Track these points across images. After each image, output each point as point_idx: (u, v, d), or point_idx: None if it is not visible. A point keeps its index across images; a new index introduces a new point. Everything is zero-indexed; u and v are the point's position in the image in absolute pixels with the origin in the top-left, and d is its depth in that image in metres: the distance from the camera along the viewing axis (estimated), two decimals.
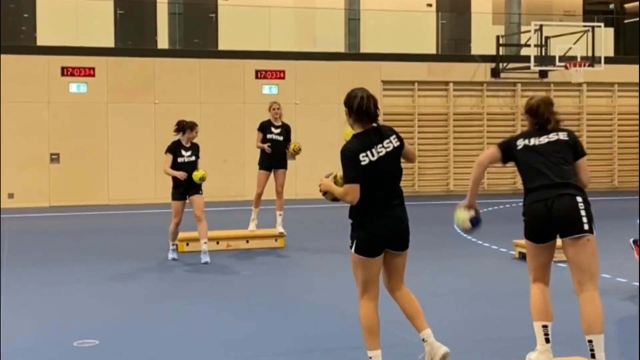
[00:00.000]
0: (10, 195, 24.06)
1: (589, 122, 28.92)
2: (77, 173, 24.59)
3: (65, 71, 24.72)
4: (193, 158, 13.99)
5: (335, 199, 6.93)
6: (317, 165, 25.79)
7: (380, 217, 6.72)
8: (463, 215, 7.30)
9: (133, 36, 26.58)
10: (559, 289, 8.07)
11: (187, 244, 15.01)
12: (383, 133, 6.75)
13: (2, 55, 23.97)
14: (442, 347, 6.80)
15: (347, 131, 6.94)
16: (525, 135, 7.17)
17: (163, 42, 26.63)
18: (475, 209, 7.29)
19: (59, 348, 8.49)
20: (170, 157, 13.92)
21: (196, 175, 13.68)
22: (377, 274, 6.86)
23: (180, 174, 13.66)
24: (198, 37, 27.26)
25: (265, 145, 15.60)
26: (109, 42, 25.88)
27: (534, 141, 7.04)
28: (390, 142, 6.73)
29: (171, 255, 14.29)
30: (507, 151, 7.13)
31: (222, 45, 26.64)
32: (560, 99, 28.49)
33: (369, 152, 6.65)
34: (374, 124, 6.78)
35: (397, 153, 6.77)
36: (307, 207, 23.35)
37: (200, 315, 10.05)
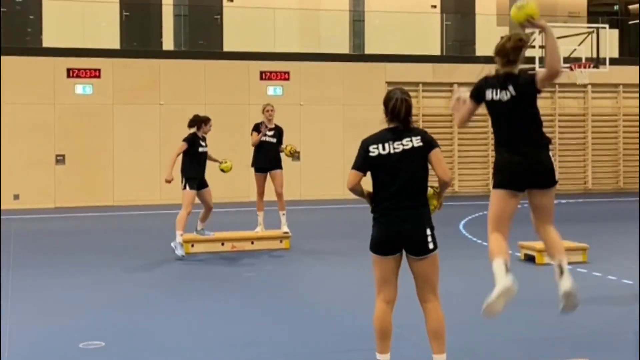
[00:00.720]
0: (16, 196, 24.13)
1: (594, 123, 28.92)
2: (83, 174, 24.65)
3: (71, 73, 24.79)
4: (207, 149, 14.98)
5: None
6: (321, 166, 25.89)
7: (388, 216, 6.71)
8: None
9: (138, 38, 26.64)
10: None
11: (192, 245, 15.06)
12: (405, 132, 6.76)
13: (8, 57, 24.07)
14: None
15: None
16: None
17: (168, 44, 26.69)
18: None
19: (65, 350, 8.49)
20: (184, 145, 14.69)
21: (225, 167, 15.35)
22: (390, 275, 6.78)
23: (169, 176, 14.62)
24: (203, 38, 27.30)
25: (260, 136, 15.59)
26: (115, 43, 25.94)
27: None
28: (411, 140, 6.72)
29: (179, 251, 14.35)
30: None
31: (227, 47, 26.69)
32: (565, 100, 28.56)
33: (380, 145, 6.71)
34: (401, 124, 6.79)
35: (418, 153, 6.72)
36: (312, 208, 23.39)
37: (205, 317, 10.07)
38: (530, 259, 13.47)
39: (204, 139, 14.96)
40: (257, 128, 15.80)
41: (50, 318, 10.08)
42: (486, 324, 9.53)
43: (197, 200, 14.76)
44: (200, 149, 14.80)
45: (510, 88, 7.01)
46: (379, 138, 6.76)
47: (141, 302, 11.10)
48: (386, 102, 6.85)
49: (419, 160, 6.72)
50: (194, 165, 14.70)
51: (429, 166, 6.77)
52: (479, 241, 16.21)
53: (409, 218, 6.69)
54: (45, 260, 14.84)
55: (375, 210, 6.77)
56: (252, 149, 15.83)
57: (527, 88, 6.98)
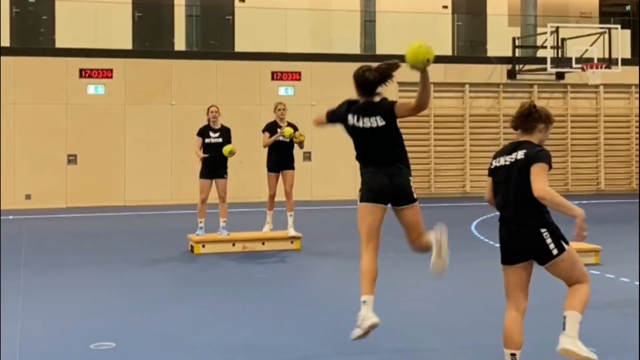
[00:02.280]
0: (28, 196, 24.19)
1: (606, 124, 28.85)
2: (94, 174, 24.69)
3: (83, 73, 24.85)
4: (220, 140, 15.43)
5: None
6: (331, 167, 25.88)
7: (373, 173, 7.40)
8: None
9: (150, 38, 26.67)
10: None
11: (203, 246, 15.07)
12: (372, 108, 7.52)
13: (21, 57, 24.17)
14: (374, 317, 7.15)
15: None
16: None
17: (180, 44, 26.72)
18: None
19: (76, 351, 8.48)
20: (198, 139, 15.49)
21: (225, 149, 15.15)
22: (375, 225, 7.28)
23: (202, 155, 15.33)
24: (215, 39, 27.32)
25: (274, 137, 15.52)
26: (127, 44, 25.99)
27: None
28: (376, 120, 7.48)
29: (198, 231, 15.44)
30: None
31: (239, 47, 26.70)
32: (577, 101, 28.50)
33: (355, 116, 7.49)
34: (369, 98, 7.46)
35: (383, 130, 7.45)
36: (323, 209, 23.38)
37: (216, 319, 10.06)
38: None
39: (215, 131, 15.49)
40: (268, 128, 15.74)
41: (61, 318, 10.08)
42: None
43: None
44: (207, 140, 15.41)
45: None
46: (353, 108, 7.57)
47: (152, 303, 11.09)
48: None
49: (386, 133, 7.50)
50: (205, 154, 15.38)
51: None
52: (491, 242, 16.17)
53: (390, 173, 7.43)
54: (56, 261, 14.86)
55: (361, 172, 7.58)
56: (264, 149, 15.81)
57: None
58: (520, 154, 6.68)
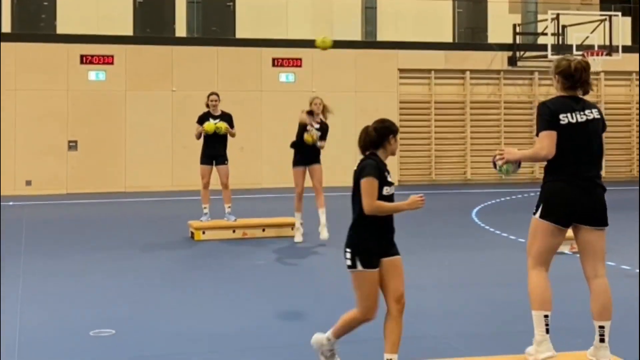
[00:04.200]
0: (28, 182, 24.20)
1: (607, 110, 28.75)
2: (95, 160, 24.70)
3: (85, 59, 24.85)
4: None
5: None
6: (334, 154, 25.81)
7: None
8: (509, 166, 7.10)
9: (152, 24, 26.63)
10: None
11: (204, 233, 15.10)
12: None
13: (22, 43, 24.21)
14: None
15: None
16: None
17: (181, 30, 26.67)
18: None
19: (76, 337, 8.49)
20: (198, 126, 15.60)
21: (213, 126, 15.40)
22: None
23: (200, 128, 15.54)
24: (216, 25, 27.26)
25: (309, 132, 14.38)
26: (128, 30, 25.96)
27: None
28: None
29: (203, 218, 15.62)
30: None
31: (240, 34, 26.66)
32: None
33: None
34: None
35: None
36: (325, 196, 23.34)
37: (216, 305, 10.08)
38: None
39: (215, 117, 15.63)
40: (301, 126, 14.58)
41: (61, 305, 10.10)
42: (503, 313, 9.54)
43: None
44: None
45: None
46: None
47: (153, 289, 11.12)
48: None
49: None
50: (204, 141, 15.65)
51: None
52: (492, 229, 16.18)
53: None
54: (56, 247, 14.87)
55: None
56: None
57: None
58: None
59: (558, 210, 6.63)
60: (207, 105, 15.78)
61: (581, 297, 7.83)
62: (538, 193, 6.90)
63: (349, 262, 6.66)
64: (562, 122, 6.61)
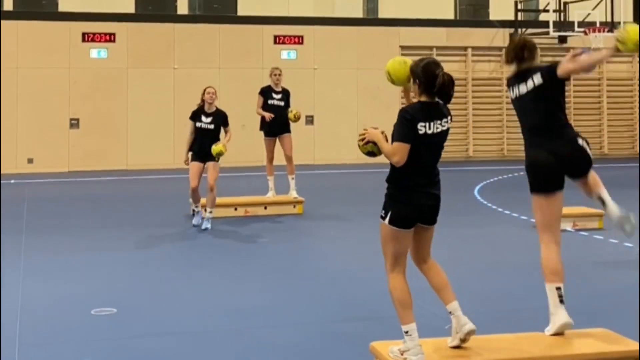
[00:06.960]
0: (30, 160, 24.20)
1: (609, 87, 28.77)
2: (97, 138, 24.68)
3: (86, 37, 24.80)
4: (212, 126, 14.20)
5: (372, 153, 6.48)
6: (335, 130, 25.85)
7: (418, 191, 6.41)
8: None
9: (153, 2, 26.56)
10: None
11: (206, 210, 15.06)
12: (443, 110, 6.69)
13: (24, 22, 24.19)
14: (468, 323, 6.47)
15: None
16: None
17: (183, 8, 26.62)
18: None
19: (77, 316, 8.50)
20: (191, 123, 14.27)
21: (214, 150, 13.85)
22: (408, 246, 6.59)
23: (185, 158, 14.30)
24: (217, 2, 27.19)
25: (267, 114, 15.62)
26: (130, 8, 25.91)
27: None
28: (447, 122, 6.60)
29: (194, 220, 14.35)
30: None
31: (241, 11, 26.61)
32: None
33: (427, 124, 6.44)
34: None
35: (446, 135, 6.56)
36: (326, 173, 23.36)
37: (217, 284, 10.08)
38: None
39: (208, 115, 14.19)
40: (262, 92, 15.93)
41: (62, 284, 10.08)
42: (499, 292, 9.54)
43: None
44: (198, 124, 14.13)
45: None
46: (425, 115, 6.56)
47: (153, 268, 11.12)
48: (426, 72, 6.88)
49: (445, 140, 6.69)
50: (195, 138, 14.16)
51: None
52: (494, 207, 16.17)
53: (435, 192, 6.62)
54: (58, 225, 14.86)
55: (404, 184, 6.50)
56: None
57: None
58: (536, 79, 7.00)
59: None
60: (202, 100, 14.30)
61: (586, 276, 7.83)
62: None
63: None
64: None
